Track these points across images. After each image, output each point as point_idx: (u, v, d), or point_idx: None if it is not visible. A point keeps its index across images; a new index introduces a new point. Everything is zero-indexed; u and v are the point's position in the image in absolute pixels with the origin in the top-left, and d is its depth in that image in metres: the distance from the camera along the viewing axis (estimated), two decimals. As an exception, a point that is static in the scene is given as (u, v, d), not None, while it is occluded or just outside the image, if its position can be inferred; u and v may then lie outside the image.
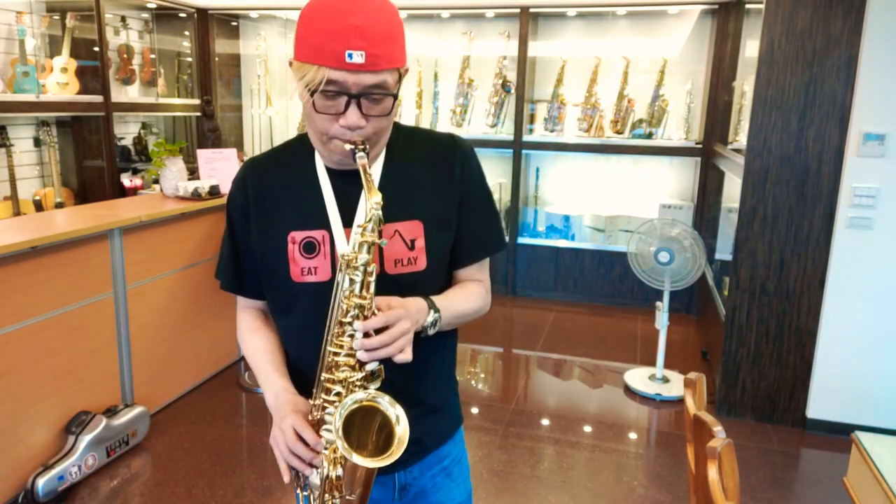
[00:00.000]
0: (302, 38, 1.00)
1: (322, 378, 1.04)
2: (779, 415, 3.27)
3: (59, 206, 4.29)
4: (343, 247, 1.09)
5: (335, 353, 1.03)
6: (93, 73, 4.46)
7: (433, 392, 1.21)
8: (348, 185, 1.11)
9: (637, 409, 3.44)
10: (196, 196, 3.41)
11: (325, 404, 1.04)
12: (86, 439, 2.65)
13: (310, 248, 1.12)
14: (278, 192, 1.15)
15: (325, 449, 1.02)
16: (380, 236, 1.01)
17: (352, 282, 1.01)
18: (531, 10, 4.90)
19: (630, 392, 3.59)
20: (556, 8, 4.97)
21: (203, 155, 3.67)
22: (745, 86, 3.84)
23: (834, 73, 2.94)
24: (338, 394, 1.03)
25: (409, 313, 1.03)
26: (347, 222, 1.10)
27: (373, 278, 1.01)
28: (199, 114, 5.47)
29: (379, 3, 0.99)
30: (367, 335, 0.99)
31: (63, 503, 2.53)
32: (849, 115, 2.94)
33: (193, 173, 3.80)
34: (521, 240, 5.21)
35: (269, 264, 1.15)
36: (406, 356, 1.00)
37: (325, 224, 1.11)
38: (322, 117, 1.02)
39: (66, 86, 4.29)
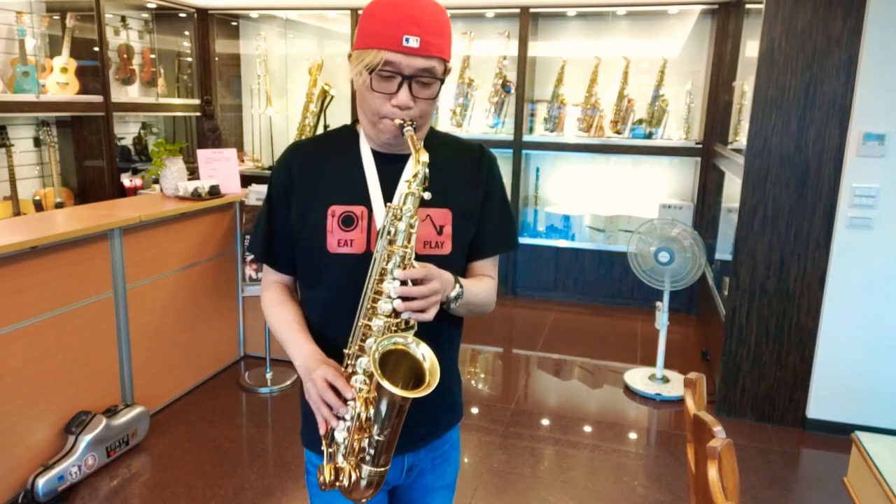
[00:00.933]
0: (363, 29, 1.13)
1: (360, 325, 1.12)
2: (779, 415, 3.27)
3: (59, 206, 4.29)
4: (382, 221, 1.17)
5: (374, 300, 1.11)
6: (93, 73, 4.46)
7: (444, 381, 1.23)
8: (391, 166, 1.22)
9: (637, 409, 3.44)
10: (196, 196, 3.41)
11: (359, 353, 1.11)
12: (86, 439, 2.65)
13: (348, 221, 1.20)
14: (322, 170, 1.25)
15: (357, 394, 1.09)
16: (421, 200, 1.11)
17: (396, 231, 1.10)
18: (531, 10, 4.91)
19: (630, 392, 3.59)
20: (556, 8, 4.97)
21: (203, 155, 3.67)
22: (745, 86, 3.84)
23: (834, 73, 2.94)
24: (372, 341, 1.10)
25: (441, 278, 1.12)
26: (388, 199, 1.19)
27: (414, 230, 1.11)
28: (199, 114, 5.47)
29: (433, 2, 1.14)
30: (404, 284, 1.08)
31: (63, 503, 2.53)
32: (849, 115, 2.94)
33: (193, 173, 3.80)
34: (521, 240, 5.20)
35: (306, 235, 1.23)
36: (428, 315, 1.09)
37: (365, 200, 1.20)
38: (376, 97, 1.14)
39: (66, 86, 4.29)
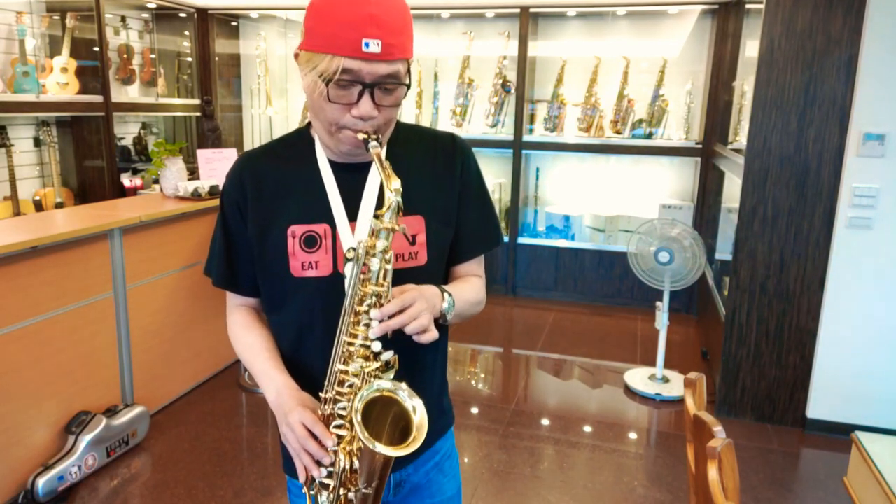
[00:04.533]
0: (313, 28, 0.99)
1: (335, 370, 1.03)
2: (779, 415, 3.27)
3: (59, 206, 4.29)
4: (348, 240, 1.08)
5: (349, 343, 1.02)
6: (93, 73, 4.46)
7: (428, 390, 1.19)
8: (352, 178, 1.11)
9: (637, 409, 3.44)
10: (196, 196, 3.41)
11: (338, 397, 1.02)
12: (86, 439, 2.65)
13: (311, 242, 1.10)
14: (277, 185, 1.13)
15: (337, 445, 1.01)
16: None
17: (369, 270, 0.99)
18: (531, 10, 4.90)
19: (630, 392, 3.59)
20: (556, 8, 4.97)
21: (203, 155, 3.67)
22: (745, 86, 3.84)
23: (834, 73, 2.94)
24: (351, 385, 1.01)
25: (424, 296, 1.02)
26: (352, 216, 1.10)
27: (390, 266, 1.00)
28: (199, 114, 5.47)
29: None
30: (381, 322, 0.99)
31: (63, 503, 2.53)
32: (849, 115, 2.94)
33: (193, 173, 3.80)
34: (521, 240, 5.21)
35: (266, 259, 1.13)
36: (432, 335, 1.00)
37: (327, 218, 1.10)
38: (333, 108, 1.02)
39: (66, 86, 4.29)
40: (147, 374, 3.16)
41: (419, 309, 1.00)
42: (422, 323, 0.99)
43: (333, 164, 1.12)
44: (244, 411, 3.32)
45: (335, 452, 1.01)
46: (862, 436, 2.49)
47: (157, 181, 4.11)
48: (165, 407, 3.29)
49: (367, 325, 1.00)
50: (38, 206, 4.25)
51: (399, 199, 0.98)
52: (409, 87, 1.04)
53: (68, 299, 2.70)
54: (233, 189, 1.16)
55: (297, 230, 1.10)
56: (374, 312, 0.99)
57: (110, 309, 2.92)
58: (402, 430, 0.99)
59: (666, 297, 3.57)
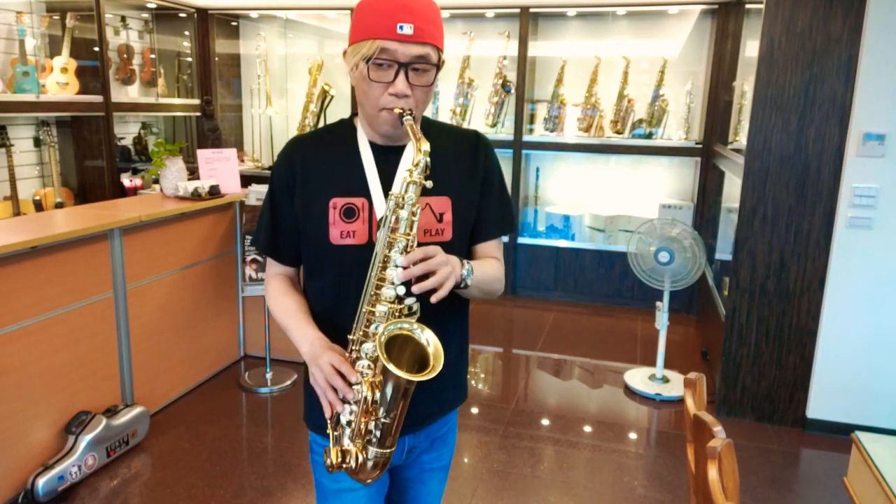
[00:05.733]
0: (357, 24, 1.17)
1: (363, 311, 1.15)
2: (779, 415, 3.27)
3: (59, 206, 4.29)
4: (382, 211, 1.20)
5: (377, 286, 1.13)
6: (93, 73, 4.46)
7: (448, 364, 1.24)
8: (389, 159, 1.25)
9: (637, 409, 3.44)
10: (196, 196, 3.41)
11: (364, 338, 1.14)
12: (86, 439, 2.65)
13: (350, 213, 1.23)
14: (322, 164, 1.27)
15: (362, 378, 1.11)
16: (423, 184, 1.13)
17: (398, 219, 1.13)
18: (531, 10, 4.90)
19: (630, 392, 3.59)
20: (556, 8, 4.97)
21: (203, 155, 3.67)
22: (745, 86, 3.84)
23: (834, 73, 2.94)
24: (377, 327, 1.12)
25: (443, 253, 1.14)
26: (387, 191, 1.21)
27: (416, 218, 1.13)
28: (199, 114, 5.47)
29: None
30: (405, 269, 1.11)
31: (63, 503, 2.54)
32: (849, 115, 2.94)
33: (193, 173, 3.80)
34: (521, 240, 5.21)
35: (309, 228, 1.26)
36: (444, 289, 1.11)
37: (365, 192, 1.23)
38: (374, 87, 1.16)
39: (66, 86, 4.29)
40: (147, 373, 3.16)
41: (440, 261, 1.12)
42: (442, 275, 1.11)
43: (373, 147, 1.26)
44: (244, 411, 3.32)
45: (359, 384, 1.11)
46: (862, 436, 2.49)
47: (157, 181, 4.11)
48: (165, 407, 3.29)
49: (395, 268, 1.12)
50: (38, 206, 4.25)
51: (427, 158, 1.13)
52: (439, 68, 1.19)
53: (68, 299, 2.70)
54: (283, 168, 1.29)
55: (337, 202, 1.23)
56: (400, 258, 1.11)
57: (110, 309, 2.92)
58: (420, 365, 1.12)
59: (666, 297, 3.57)
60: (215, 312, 3.63)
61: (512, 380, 3.83)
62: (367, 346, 1.13)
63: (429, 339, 1.12)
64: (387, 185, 1.23)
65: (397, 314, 1.13)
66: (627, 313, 4.90)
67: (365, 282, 1.16)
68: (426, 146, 1.13)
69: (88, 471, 2.67)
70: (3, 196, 4.11)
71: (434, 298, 1.11)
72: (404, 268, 1.11)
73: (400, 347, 1.12)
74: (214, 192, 3.47)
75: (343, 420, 1.15)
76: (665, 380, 3.63)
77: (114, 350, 2.96)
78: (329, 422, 1.17)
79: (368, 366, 1.13)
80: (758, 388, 3.28)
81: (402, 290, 1.12)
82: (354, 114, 1.33)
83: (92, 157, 4.61)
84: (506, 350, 4.29)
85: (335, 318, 1.26)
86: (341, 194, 1.24)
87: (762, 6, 3.01)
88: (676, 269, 3.45)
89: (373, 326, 1.14)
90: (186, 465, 2.79)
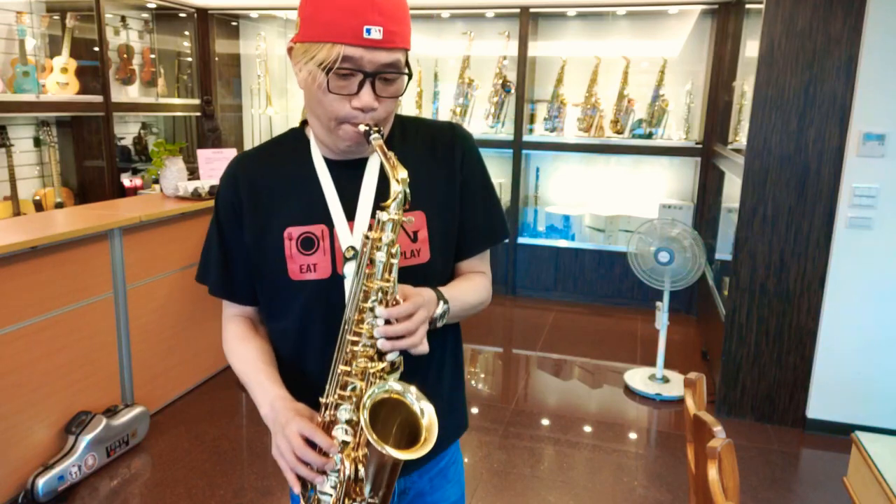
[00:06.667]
0: (310, 17, 0.96)
1: (338, 371, 0.98)
2: (779, 415, 3.27)
3: (59, 206, 4.29)
4: (347, 240, 1.04)
5: (353, 343, 0.97)
6: (93, 73, 4.46)
7: (437, 389, 1.13)
8: (349, 176, 1.07)
9: (637, 409, 3.44)
10: (196, 196, 3.41)
11: (340, 401, 0.97)
12: (86, 439, 2.65)
13: (308, 244, 1.06)
14: (272, 187, 1.09)
15: (340, 452, 0.96)
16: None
17: (373, 263, 0.95)
18: (531, 10, 4.90)
19: (630, 392, 3.59)
20: (556, 8, 4.97)
21: (203, 155, 3.67)
22: (745, 86, 3.84)
23: (834, 73, 2.94)
24: (354, 388, 0.97)
25: (426, 304, 0.99)
26: (350, 215, 1.06)
27: (396, 260, 0.96)
28: (199, 114, 5.47)
29: None
30: (387, 322, 0.94)
31: (63, 503, 2.53)
32: (849, 115, 2.94)
33: (193, 173, 3.80)
34: (521, 240, 5.21)
35: (263, 264, 1.09)
36: (424, 348, 0.97)
37: (324, 218, 1.06)
38: (332, 101, 0.98)
39: (66, 86, 4.29)
40: (147, 373, 3.16)
41: (421, 318, 0.97)
42: (420, 335, 0.97)
43: (329, 163, 1.09)
44: (244, 411, 3.32)
45: (341, 460, 0.96)
46: (862, 436, 2.49)
47: (157, 181, 4.11)
48: (165, 407, 3.29)
49: (372, 325, 0.96)
50: (38, 206, 4.25)
51: (406, 189, 0.94)
52: (410, 76, 1.01)
53: (68, 299, 2.70)
54: (227, 192, 1.12)
55: (293, 232, 1.06)
56: (379, 310, 0.94)
57: (110, 309, 2.92)
58: (409, 436, 0.95)
59: (666, 297, 3.57)
60: (215, 313, 3.61)
61: (512, 380, 3.83)
62: (345, 409, 0.96)
63: (424, 410, 0.94)
64: (348, 206, 1.05)
65: (378, 373, 0.97)
66: (627, 313, 4.90)
67: (334, 319, 1.00)
68: (403, 174, 0.94)
69: (88, 471, 2.67)
70: (3, 196, 4.11)
71: (415, 352, 0.97)
72: (386, 320, 0.94)
73: (386, 413, 0.95)
74: (214, 192, 3.47)
75: (319, 491, 0.98)
76: (665, 380, 3.63)
77: (114, 350, 2.96)
78: (301, 497, 1.00)
79: (346, 431, 0.96)
80: (758, 388, 3.28)
81: (385, 344, 0.96)
82: (306, 121, 1.13)
83: (92, 157, 4.61)
84: (506, 350, 4.29)
85: (301, 363, 1.11)
86: (297, 222, 1.06)
87: (762, 6, 3.01)
88: (676, 269, 3.45)
89: (349, 388, 0.97)
90: (186, 465, 2.79)
